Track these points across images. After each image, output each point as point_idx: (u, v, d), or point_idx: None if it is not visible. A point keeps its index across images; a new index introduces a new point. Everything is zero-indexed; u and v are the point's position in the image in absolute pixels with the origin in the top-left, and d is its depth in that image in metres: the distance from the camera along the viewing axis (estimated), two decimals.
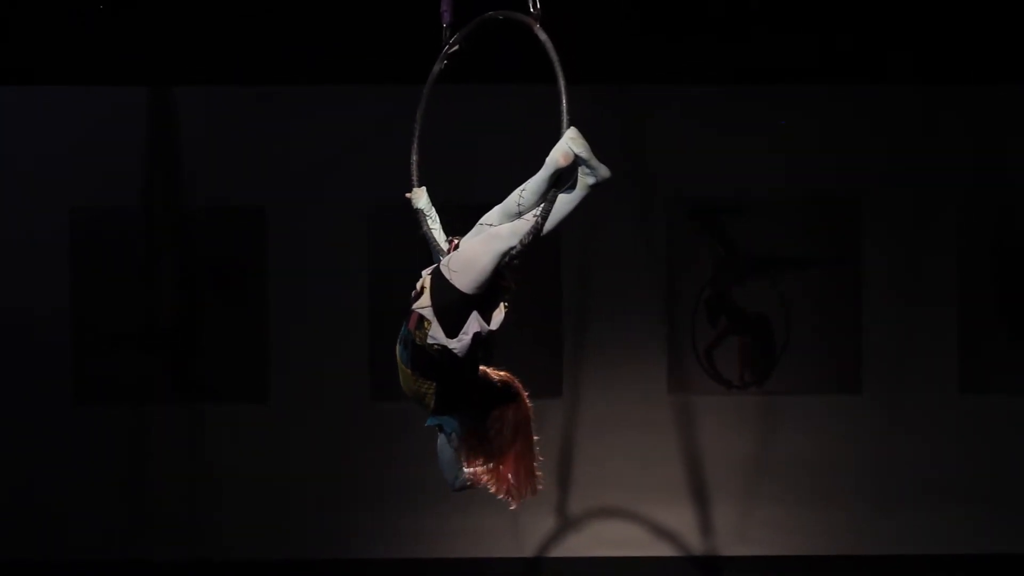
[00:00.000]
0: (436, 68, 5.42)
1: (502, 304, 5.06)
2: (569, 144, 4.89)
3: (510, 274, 5.03)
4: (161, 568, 9.29)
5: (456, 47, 5.37)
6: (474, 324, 4.94)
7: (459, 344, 4.94)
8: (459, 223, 5.20)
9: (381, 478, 9.43)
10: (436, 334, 4.95)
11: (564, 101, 4.95)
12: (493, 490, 5.22)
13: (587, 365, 9.48)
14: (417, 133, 5.43)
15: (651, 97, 9.48)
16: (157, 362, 9.46)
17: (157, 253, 9.47)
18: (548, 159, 4.93)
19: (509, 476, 5.19)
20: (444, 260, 5.03)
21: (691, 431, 9.49)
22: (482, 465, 5.19)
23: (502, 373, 5.24)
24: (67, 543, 9.37)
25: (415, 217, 5.34)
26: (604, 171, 4.94)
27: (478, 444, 5.16)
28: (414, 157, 5.43)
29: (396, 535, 9.42)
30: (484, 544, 9.37)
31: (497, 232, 4.98)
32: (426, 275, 5.06)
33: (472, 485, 5.27)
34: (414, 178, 5.42)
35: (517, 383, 5.23)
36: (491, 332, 4.99)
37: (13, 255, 9.41)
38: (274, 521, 9.43)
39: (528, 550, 9.45)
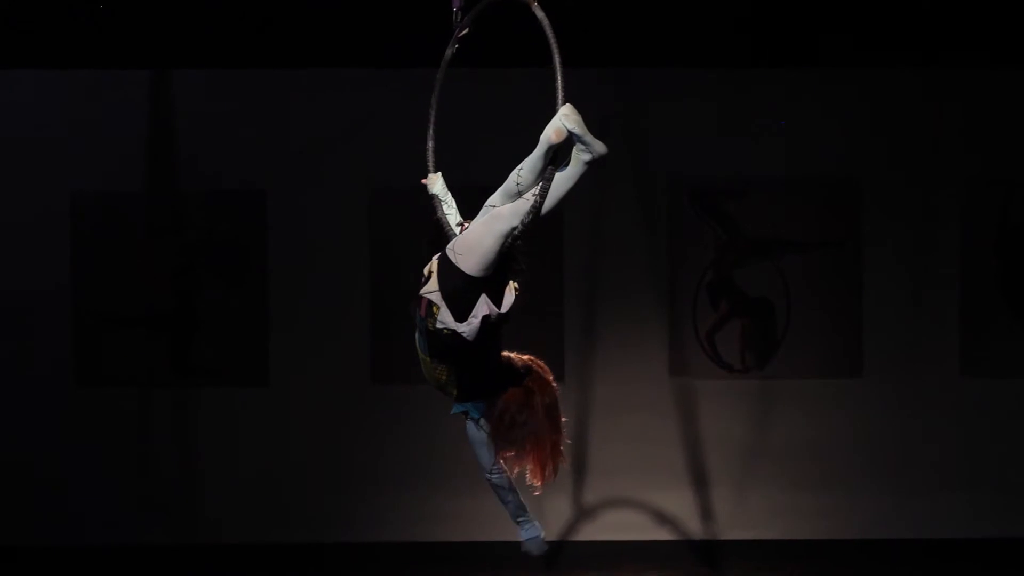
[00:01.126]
0: (448, 52, 5.40)
1: (513, 286, 5.05)
2: (562, 120, 4.88)
3: (522, 256, 5.03)
4: (160, 551, 9.29)
5: (466, 30, 5.35)
6: (483, 307, 4.93)
7: (468, 328, 4.92)
8: (473, 206, 5.20)
9: (381, 460, 9.43)
10: (445, 318, 4.95)
11: (559, 78, 4.94)
12: (528, 474, 5.20)
13: (589, 349, 9.48)
14: (432, 119, 5.41)
15: (653, 80, 9.45)
16: (158, 345, 9.46)
17: (157, 236, 9.46)
18: (542, 136, 4.92)
19: (538, 458, 5.18)
20: (450, 244, 5.02)
21: (692, 415, 9.49)
22: (512, 450, 5.17)
23: (525, 357, 5.23)
24: (67, 526, 9.37)
25: (430, 203, 5.34)
26: (599, 147, 4.92)
27: (507, 429, 5.15)
28: (430, 143, 5.42)
29: (396, 518, 9.42)
30: (485, 527, 9.36)
31: (499, 213, 4.98)
32: (434, 260, 5.06)
33: (503, 485, 5.26)
34: (430, 164, 5.41)
35: (540, 364, 5.22)
36: (501, 315, 4.98)
37: (13, 238, 9.40)
38: (275, 504, 9.43)
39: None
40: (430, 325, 4.97)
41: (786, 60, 9.41)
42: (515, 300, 5.00)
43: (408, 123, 9.12)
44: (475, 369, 5.07)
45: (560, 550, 9.25)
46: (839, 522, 9.47)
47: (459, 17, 5.35)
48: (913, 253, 9.54)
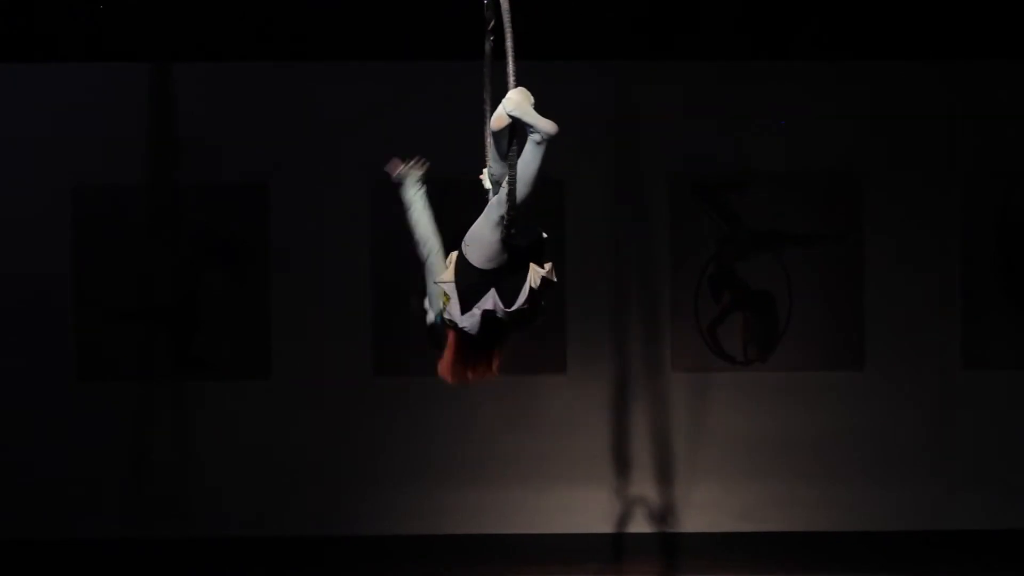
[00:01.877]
0: (487, 47, 5.39)
1: (529, 285, 5.05)
2: (503, 105, 4.88)
3: (548, 253, 5.05)
4: (161, 544, 9.30)
5: (492, 21, 5.35)
6: (489, 301, 4.93)
7: (469, 321, 4.94)
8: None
9: (384, 453, 9.43)
10: (452, 310, 4.98)
11: (511, 62, 4.93)
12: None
13: (591, 341, 9.47)
14: (488, 114, 5.40)
15: (654, 73, 9.44)
16: (160, 338, 9.46)
17: (159, 230, 9.46)
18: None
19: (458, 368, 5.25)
20: (464, 237, 5.05)
21: (694, 407, 9.49)
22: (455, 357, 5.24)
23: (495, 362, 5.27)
24: (68, 519, 9.37)
25: (485, 197, 5.35)
26: (545, 126, 4.89)
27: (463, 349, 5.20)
28: (488, 139, 5.41)
29: (399, 510, 9.42)
30: (489, 520, 9.38)
31: (490, 203, 5.05)
32: (453, 253, 5.11)
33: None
34: (488, 159, 5.41)
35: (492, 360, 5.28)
36: (508, 312, 4.98)
37: (15, 233, 9.39)
38: (277, 497, 9.44)
39: (525, 526, 9.45)
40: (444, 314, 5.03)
41: (787, 53, 9.41)
42: (530, 295, 4.99)
43: (410, 116, 9.23)
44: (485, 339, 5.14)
45: (561, 544, 9.26)
46: (840, 514, 9.47)
47: (488, 9, 5.34)
48: (914, 246, 9.54)
